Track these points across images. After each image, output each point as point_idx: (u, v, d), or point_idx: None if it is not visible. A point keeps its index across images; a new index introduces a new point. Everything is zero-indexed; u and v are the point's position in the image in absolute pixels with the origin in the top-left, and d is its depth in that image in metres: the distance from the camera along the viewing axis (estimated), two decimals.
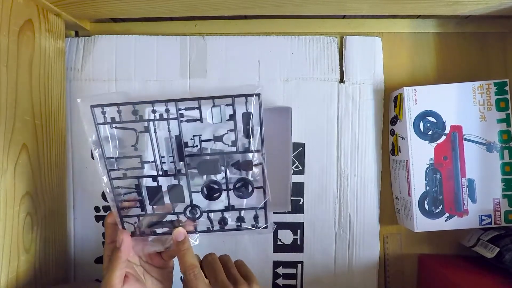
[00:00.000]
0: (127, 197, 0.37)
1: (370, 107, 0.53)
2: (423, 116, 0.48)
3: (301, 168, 0.53)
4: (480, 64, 0.54)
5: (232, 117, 0.36)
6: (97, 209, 0.53)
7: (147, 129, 0.35)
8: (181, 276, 0.53)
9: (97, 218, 0.54)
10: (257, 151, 0.37)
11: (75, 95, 0.53)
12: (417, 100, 0.48)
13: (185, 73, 0.53)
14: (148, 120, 0.35)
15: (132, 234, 0.37)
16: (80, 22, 0.53)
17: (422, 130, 0.48)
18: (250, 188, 0.38)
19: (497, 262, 0.46)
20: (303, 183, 0.53)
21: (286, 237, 0.54)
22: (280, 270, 0.54)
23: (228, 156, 0.37)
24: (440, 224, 0.48)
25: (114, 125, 0.35)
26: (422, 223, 0.48)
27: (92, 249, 0.54)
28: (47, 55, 0.47)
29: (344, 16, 0.55)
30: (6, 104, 0.40)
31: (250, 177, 0.38)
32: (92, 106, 0.33)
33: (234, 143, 0.37)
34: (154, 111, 0.35)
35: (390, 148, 0.54)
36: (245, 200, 0.39)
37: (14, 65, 0.41)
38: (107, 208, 0.53)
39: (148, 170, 0.37)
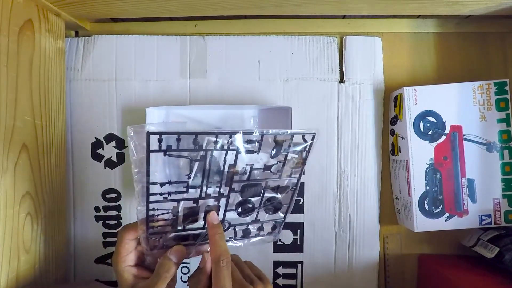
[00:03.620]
0: (160, 218, 0.35)
1: (370, 107, 0.53)
2: (423, 116, 0.48)
3: None
4: (480, 64, 0.54)
5: (286, 150, 0.38)
6: (97, 209, 0.53)
7: (203, 158, 0.35)
8: (181, 276, 0.53)
9: (97, 218, 0.54)
10: (298, 179, 0.40)
11: (75, 95, 0.53)
12: (417, 100, 0.48)
13: (185, 73, 0.53)
14: (207, 150, 0.34)
15: (155, 248, 0.36)
16: (80, 22, 0.53)
17: (422, 130, 0.48)
18: (278, 206, 0.41)
19: (497, 262, 0.46)
20: (303, 183, 0.53)
21: (286, 237, 0.54)
22: (280, 270, 0.54)
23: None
24: (440, 224, 0.48)
25: (168, 153, 0.34)
26: (422, 223, 0.48)
27: (92, 249, 0.54)
28: (47, 55, 0.47)
29: (344, 16, 0.55)
30: (6, 104, 0.40)
31: (279, 196, 0.40)
32: (149, 133, 0.32)
33: (279, 172, 0.39)
34: (216, 142, 0.34)
35: (390, 148, 0.54)
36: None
37: (14, 65, 0.41)
38: (107, 208, 0.54)
39: (192, 193, 0.36)
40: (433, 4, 0.47)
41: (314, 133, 0.39)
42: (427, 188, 0.48)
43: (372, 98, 0.53)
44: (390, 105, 0.54)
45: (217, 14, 0.52)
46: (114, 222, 0.54)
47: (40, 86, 0.46)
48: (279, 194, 0.40)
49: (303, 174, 0.53)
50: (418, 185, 0.48)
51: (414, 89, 0.48)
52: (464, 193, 0.48)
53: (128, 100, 0.53)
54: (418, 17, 0.54)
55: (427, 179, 0.48)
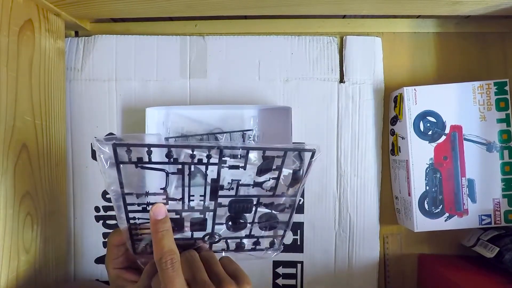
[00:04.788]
0: (143, 226, 0.34)
1: (370, 107, 0.53)
2: (423, 116, 0.48)
3: None
4: (480, 64, 0.54)
5: (279, 167, 0.34)
6: (97, 209, 0.53)
7: (180, 171, 0.33)
8: None
9: (97, 218, 0.54)
10: (294, 198, 0.36)
11: (75, 95, 0.53)
12: (417, 100, 0.48)
13: (185, 73, 0.53)
14: (184, 164, 0.32)
15: (142, 253, 0.35)
16: (80, 22, 0.53)
17: (422, 130, 0.48)
18: (274, 225, 0.38)
19: (497, 262, 0.46)
20: None
21: (286, 237, 0.53)
22: (280, 270, 0.54)
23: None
24: (440, 224, 0.48)
25: (140, 165, 0.32)
26: (422, 223, 0.48)
27: (92, 249, 0.54)
28: (47, 55, 0.47)
29: (344, 16, 0.55)
30: (6, 104, 0.40)
31: (275, 213, 0.37)
32: (115, 145, 0.30)
33: (272, 189, 0.35)
34: (193, 156, 0.32)
35: (390, 148, 0.54)
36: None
37: (14, 65, 0.41)
38: (107, 208, 0.54)
39: (173, 205, 0.34)
40: (433, 4, 0.47)
41: (313, 149, 0.34)
42: (427, 188, 0.48)
43: (372, 98, 0.53)
44: (390, 105, 0.54)
45: (217, 14, 0.52)
46: (114, 222, 0.54)
47: (40, 86, 0.46)
48: (274, 211, 0.37)
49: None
50: (418, 185, 0.48)
51: (414, 89, 0.48)
52: (464, 193, 0.48)
53: (128, 100, 0.53)
54: (418, 17, 0.54)
55: (427, 179, 0.48)
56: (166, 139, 0.51)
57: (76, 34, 0.55)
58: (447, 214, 0.48)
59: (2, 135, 0.39)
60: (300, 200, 0.53)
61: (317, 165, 0.53)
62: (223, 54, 0.54)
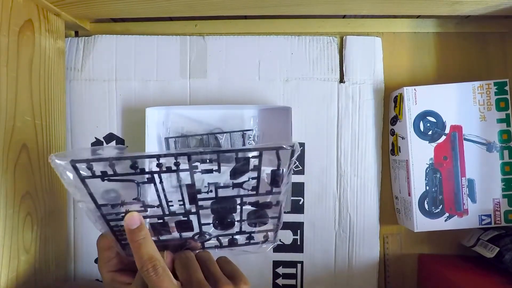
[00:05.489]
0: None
1: (370, 107, 0.53)
2: (423, 116, 0.48)
3: (301, 168, 0.53)
4: (480, 64, 0.54)
5: (257, 167, 0.33)
6: None
7: (150, 181, 0.32)
8: None
9: None
10: (278, 193, 0.35)
11: (75, 95, 0.53)
12: (417, 100, 0.48)
13: (185, 73, 0.53)
14: (152, 173, 0.31)
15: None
16: (80, 22, 0.53)
17: (422, 130, 0.48)
18: (264, 221, 0.37)
19: (497, 262, 0.46)
20: (303, 183, 0.53)
21: (286, 237, 0.54)
22: (280, 270, 0.54)
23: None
24: (440, 224, 0.48)
25: (106, 178, 0.31)
26: (422, 223, 0.48)
27: (92, 249, 0.53)
28: (47, 55, 0.47)
29: (344, 16, 0.55)
30: (6, 104, 0.40)
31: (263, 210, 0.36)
32: (74, 162, 0.29)
33: (255, 189, 0.34)
34: (159, 165, 0.31)
35: (390, 148, 0.54)
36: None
37: (14, 65, 0.41)
38: None
39: (154, 210, 0.34)
40: (433, 4, 0.47)
41: (291, 147, 0.31)
42: (427, 188, 0.48)
43: (372, 98, 0.53)
44: (390, 105, 0.54)
45: (217, 14, 0.52)
46: (114, 222, 0.53)
47: (40, 86, 0.46)
48: (262, 209, 0.36)
49: (303, 173, 0.53)
50: (418, 185, 0.48)
51: (414, 89, 0.48)
52: (464, 193, 0.48)
53: (128, 100, 0.53)
54: (418, 17, 0.54)
55: (427, 179, 0.48)
56: (166, 139, 0.51)
57: (76, 34, 0.55)
58: (447, 214, 0.48)
59: (2, 135, 0.39)
60: (300, 200, 0.53)
61: (317, 165, 0.53)
62: (223, 54, 0.54)
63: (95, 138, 0.53)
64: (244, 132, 0.52)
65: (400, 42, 0.54)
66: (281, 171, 0.33)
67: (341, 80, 0.53)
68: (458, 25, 0.54)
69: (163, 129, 0.52)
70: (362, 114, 0.53)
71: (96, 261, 0.54)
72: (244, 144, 0.51)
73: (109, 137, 0.53)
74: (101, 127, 0.53)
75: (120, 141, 0.53)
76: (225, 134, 0.52)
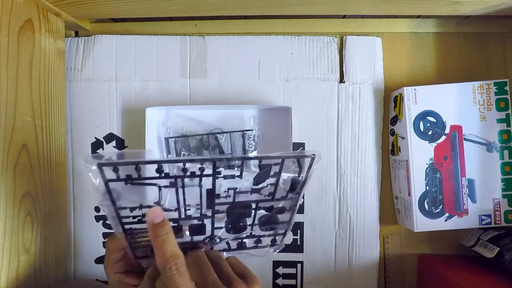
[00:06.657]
0: (141, 234, 0.33)
1: (370, 107, 0.53)
2: (423, 116, 0.48)
3: None
4: (480, 64, 0.54)
5: (277, 174, 0.33)
6: (97, 209, 0.53)
7: (173, 185, 0.32)
8: None
9: (97, 218, 0.54)
10: (295, 202, 0.36)
11: (75, 95, 0.53)
12: (417, 100, 0.48)
13: (185, 73, 0.53)
14: (176, 177, 0.31)
15: (144, 257, 0.35)
16: (80, 22, 0.53)
17: (422, 130, 0.48)
18: (274, 227, 0.38)
19: (497, 262, 0.46)
20: None
21: (286, 237, 0.53)
22: (280, 270, 0.54)
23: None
24: (440, 224, 0.48)
25: (129, 182, 0.31)
26: (422, 223, 0.48)
27: (92, 249, 0.54)
28: (47, 55, 0.47)
29: (344, 16, 0.55)
30: (6, 104, 0.40)
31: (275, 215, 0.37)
32: (101, 165, 0.29)
33: (271, 194, 0.35)
34: (185, 170, 0.31)
35: (390, 148, 0.54)
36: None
37: (14, 65, 0.41)
38: None
39: (170, 214, 0.34)
40: (433, 4, 0.47)
41: (313, 155, 0.33)
42: (427, 188, 0.48)
43: (372, 98, 0.53)
44: (390, 105, 0.54)
45: (217, 14, 0.52)
46: None
47: (40, 86, 0.46)
48: (275, 214, 0.37)
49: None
50: (418, 185, 0.48)
51: (414, 89, 0.49)
52: (464, 193, 0.48)
53: (128, 100, 0.53)
54: (418, 17, 0.54)
55: (427, 179, 0.48)
56: (166, 139, 0.51)
57: (76, 34, 0.55)
58: (447, 214, 0.48)
59: (2, 135, 0.39)
60: (300, 200, 0.53)
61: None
62: (223, 54, 0.54)
63: (95, 138, 0.53)
64: (244, 132, 0.52)
65: (400, 42, 0.54)
66: (301, 178, 0.34)
67: (341, 80, 0.53)
68: (458, 25, 0.54)
69: (163, 129, 0.52)
70: (362, 114, 0.53)
71: (96, 261, 0.54)
72: (244, 144, 0.52)
73: (109, 137, 0.53)
74: (101, 127, 0.53)
75: (120, 141, 0.53)
76: (225, 134, 0.52)
